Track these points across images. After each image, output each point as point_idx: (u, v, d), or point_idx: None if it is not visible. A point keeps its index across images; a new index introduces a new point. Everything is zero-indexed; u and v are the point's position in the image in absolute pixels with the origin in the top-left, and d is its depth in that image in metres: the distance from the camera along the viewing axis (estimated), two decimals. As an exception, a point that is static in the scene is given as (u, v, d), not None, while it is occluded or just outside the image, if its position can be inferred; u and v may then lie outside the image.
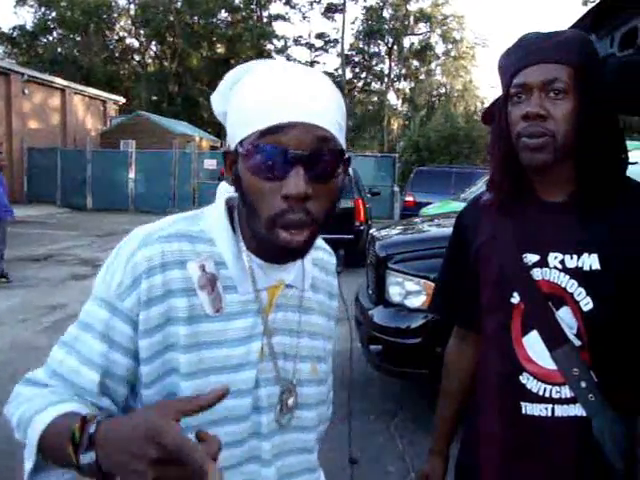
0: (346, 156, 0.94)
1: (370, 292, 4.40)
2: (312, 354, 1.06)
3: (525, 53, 1.18)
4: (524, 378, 1.20)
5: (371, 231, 5.20)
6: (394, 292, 3.87)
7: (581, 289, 1.16)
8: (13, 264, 9.28)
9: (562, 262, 1.17)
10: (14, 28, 40.93)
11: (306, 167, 0.87)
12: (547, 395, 1.18)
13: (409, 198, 14.25)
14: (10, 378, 4.74)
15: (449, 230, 5.10)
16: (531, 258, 1.20)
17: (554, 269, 1.18)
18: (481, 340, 1.33)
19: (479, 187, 9.38)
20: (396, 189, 20.27)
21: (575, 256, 1.17)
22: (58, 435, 0.78)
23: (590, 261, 1.15)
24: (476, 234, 1.31)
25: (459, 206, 8.41)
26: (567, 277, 1.17)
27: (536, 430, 1.19)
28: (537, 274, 1.19)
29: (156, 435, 0.67)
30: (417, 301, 3.78)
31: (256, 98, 0.89)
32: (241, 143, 0.91)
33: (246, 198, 0.91)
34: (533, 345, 1.20)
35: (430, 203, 10.74)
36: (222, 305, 0.94)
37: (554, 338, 1.17)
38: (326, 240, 1.21)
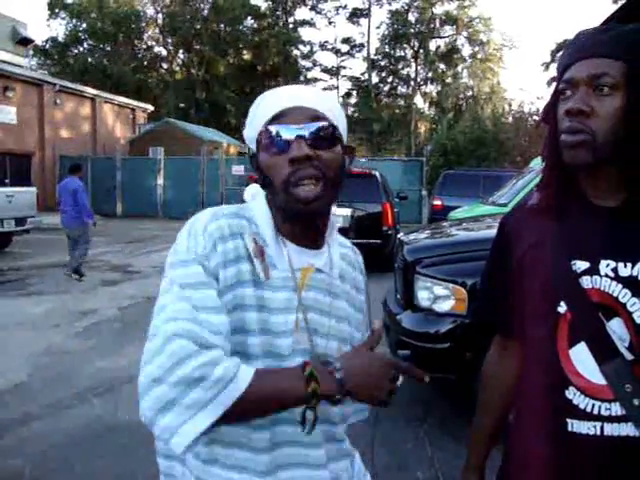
0: (341, 135, 1.15)
1: (398, 297, 4.36)
2: (339, 335, 1.17)
3: (577, 48, 1.13)
4: (570, 393, 1.13)
5: (399, 235, 5.16)
6: (422, 297, 3.84)
7: (635, 299, 1.09)
8: (46, 270, 9.45)
9: (615, 270, 1.10)
10: (47, 40, 41.89)
11: (306, 138, 1.08)
12: (595, 412, 1.11)
13: (437, 202, 14.14)
14: (43, 383, 4.82)
15: (478, 234, 5.01)
16: (580, 265, 1.13)
17: (605, 277, 1.11)
18: (524, 351, 1.26)
19: (508, 190, 9.27)
20: (424, 193, 20.15)
21: (630, 264, 1.10)
22: (276, 381, 0.99)
23: None
24: (521, 239, 1.24)
25: (488, 210, 8.35)
26: (620, 286, 1.10)
27: (583, 449, 1.12)
28: (586, 282, 1.12)
29: (394, 364, 1.07)
30: (446, 306, 3.73)
31: (266, 103, 1.14)
32: (258, 136, 1.13)
33: (265, 178, 1.11)
34: (581, 358, 1.12)
35: (458, 207, 10.64)
36: (270, 274, 1.09)
37: (604, 351, 1.09)
38: (354, 244, 1.28)
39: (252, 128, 1.15)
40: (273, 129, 1.09)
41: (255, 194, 1.20)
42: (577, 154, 1.10)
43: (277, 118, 1.09)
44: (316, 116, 1.10)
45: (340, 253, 1.23)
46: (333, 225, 1.22)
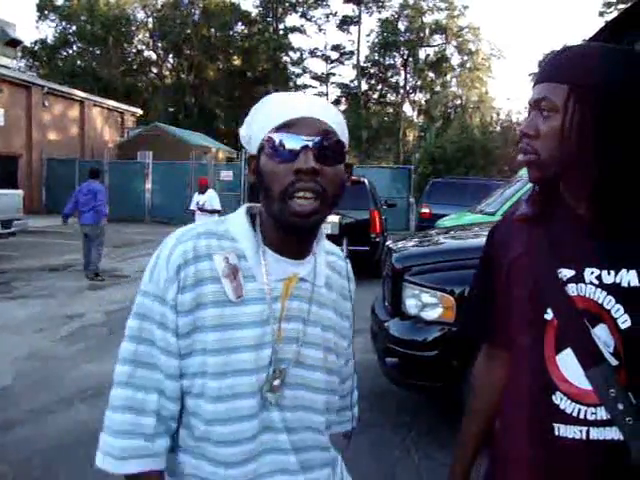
0: (346, 150, 1.13)
1: (386, 304, 4.37)
2: (325, 344, 1.18)
3: (538, 72, 1.20)
4: (557, 398, 1.15)
5: (387, 243, 5.18)
6: (410, 304, 3.85)
7: (619, 306, 1.12)
8: (32, 274, 9.37)
9: (599, 278, 1.13)
10: (35, 42, 41.70)
11: (314, 150, 1.06)
12: (582, 417, 1.13)
13: (425, 210, 14.18)
14: (28, 387, 4.77)
15: (466, 242, 5.04)
16: (566, 273, 1.16)
17: (590, 285, 1.14)
18: (511, 358, 1.29)
19: (495, 198, 9.33)
20: (412, 201, 20.23)
21: (613, 272, 1.13)
22: None
23: (629, 277, 1.12)
24: (508, 249, 1.28)
25: (475, 218, 8.40)
26: (604, 293, 1.13)
27: (569, 453, 1.14)
28: (572, 290, 1.15)
29: None
30: (434, 313, 3.75)
31: (273, 109, 1.12)
32: (262, 140, 1.11)
33: (264, 183, 1.09)
34: (567, 363, 1.15)
35: (446, 215, 10.68)
36: (242, 293, 1.09)
37: (589, 356, 1.12)
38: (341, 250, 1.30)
39: (253, 130, 1.14)
40: (281, 137, 1.07)
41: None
42: (529, 172, 1.19)
43: (286, 126, 1.07)
44: (326, 130, 1.09)
45: (327, 261, 1.23)
46: (321, 233, 1.21)
